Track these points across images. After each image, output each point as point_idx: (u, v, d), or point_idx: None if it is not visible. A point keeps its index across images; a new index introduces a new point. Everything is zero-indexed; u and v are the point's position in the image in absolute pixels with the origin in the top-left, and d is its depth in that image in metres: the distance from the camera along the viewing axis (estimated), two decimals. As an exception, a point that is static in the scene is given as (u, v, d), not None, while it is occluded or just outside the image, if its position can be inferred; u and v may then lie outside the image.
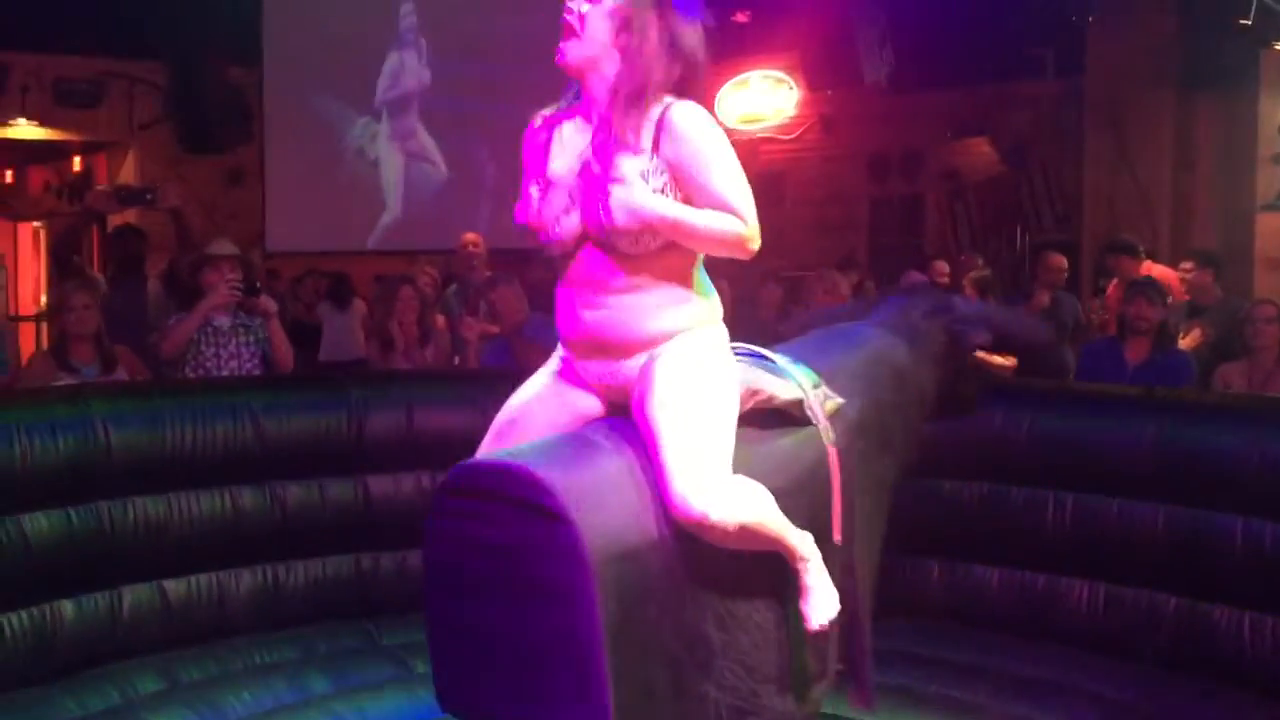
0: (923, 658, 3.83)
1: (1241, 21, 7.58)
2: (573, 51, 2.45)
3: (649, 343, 2.44)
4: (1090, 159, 9.46)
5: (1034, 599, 3.89)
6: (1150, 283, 5.56)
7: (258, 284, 4.93)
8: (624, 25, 2.42)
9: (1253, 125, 8.48)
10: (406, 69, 10.56)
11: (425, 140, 10.65)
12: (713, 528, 2.26)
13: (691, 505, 2.25)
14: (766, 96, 10.98)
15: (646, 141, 2.41)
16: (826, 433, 2.64)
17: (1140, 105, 8.96)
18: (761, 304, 6.65)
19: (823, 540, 2.55)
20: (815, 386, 2.68)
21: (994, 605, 3.96)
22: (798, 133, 11.31)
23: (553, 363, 2.60)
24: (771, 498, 2.39)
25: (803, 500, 2.53)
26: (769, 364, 2.65)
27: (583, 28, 2.43)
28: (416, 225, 10.54)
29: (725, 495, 2.28)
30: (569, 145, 2.50)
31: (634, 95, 2.41)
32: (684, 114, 2.42)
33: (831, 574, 2.52)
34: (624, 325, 2.44)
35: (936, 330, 3.29)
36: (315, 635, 4.01)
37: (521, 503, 2.17)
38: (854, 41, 10.23)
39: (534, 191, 2.51)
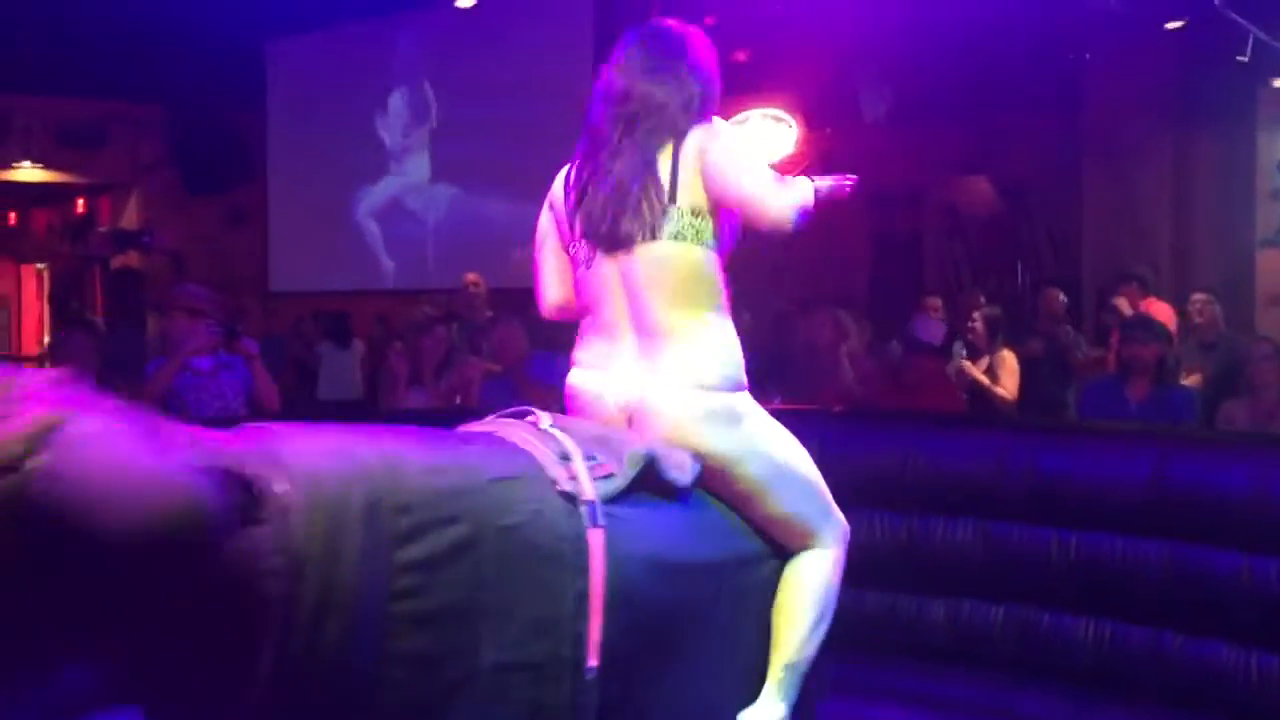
0: (924, 694, 3.80)
1: (1239, 58, 7.63)
2: None
3: None
4: (1089, 195, 9.50)
5: (1037, 637, 3.86)
6: (1143, 321, 5.58)
7: (236, 327, 4.97)
8: None
9: (1251, 161, 8.53)
10: (407, 110, 10.64)
11: (427, 179, 10.71)
12: None
13: None
14: (766, 134, 11.02)
15: None
16: (584, 509, 2.03)
17: (1139, 142, 9.01)
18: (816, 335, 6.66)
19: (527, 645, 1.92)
20: (588, 459, 2.14)
21: (996, 643, 3.94)
22: (798, 170, 11.35)
23: None
24: None
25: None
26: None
27: None
28: (418, 265, 10.58)
29: None
30: None
31: None
32: None
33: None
34: None
35: None
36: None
37: None
38: (853, 79, 10.29)
39: None
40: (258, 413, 4.75)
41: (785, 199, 2.39)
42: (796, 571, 2.48)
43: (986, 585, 3.96)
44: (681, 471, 2.29)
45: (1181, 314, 6.88)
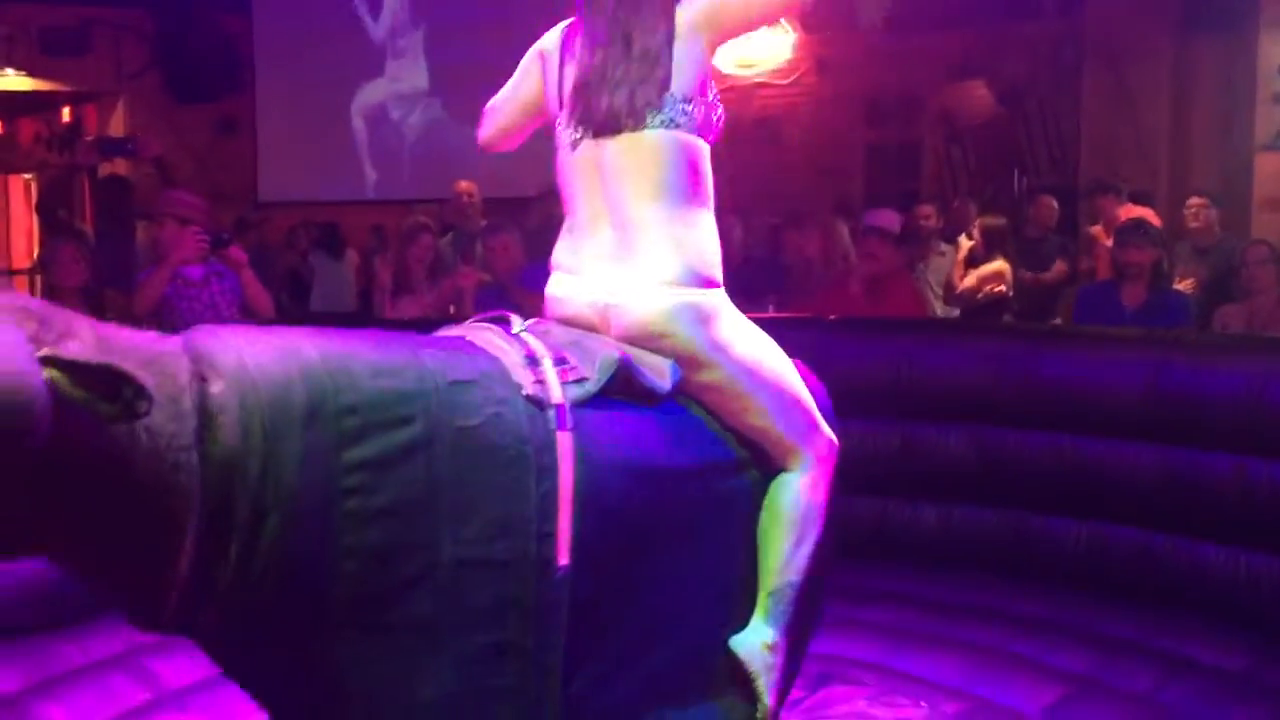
0: (917, 597, 3.86)
1: (1242, -41, 7.50)
2: None
3: None
4: (1088, 101, 9.39)
5: (1029, 539, 3.91)
6: (1138, 226, 5.52)
7: (225, 235, 4.90)
8: None
9: (1252, 65, 8.41)
10: (399, 13, 10.46)
11: (420, 86, 10.55)
12: None
13: None
14: (762, 40, 10.86)
15: None
16: (551, 412, 2.03)
17: (1139, 46, 8.88)
18: (783, 249, 6.72)
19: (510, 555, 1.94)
20: (559, 363, 2.15)
21: (989, 546, 3.98)
22: (793, 76, 11.20)
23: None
24: None
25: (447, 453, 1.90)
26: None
27: None
28: (409, 174, 10.49)
29: None
30: None
31: None
32: None
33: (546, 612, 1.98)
34: None
35: None
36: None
37: None
38: (850, -17, 10.11)
39: None
40: (251, 321, 4.73)
41: None
42: (774, 491, 2.41)
43: (979, 489, 4.00)
44: (660, 377, 2.26)
45: (1176, 219, 6.86)
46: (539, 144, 2.62)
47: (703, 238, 2.32)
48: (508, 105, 2.56)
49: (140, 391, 1.53)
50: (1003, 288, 6.47)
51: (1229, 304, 5.31)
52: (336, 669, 1.84)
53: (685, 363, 2.31)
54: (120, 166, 9.30)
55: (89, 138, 10.12)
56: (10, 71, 9.56)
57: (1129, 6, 8.83)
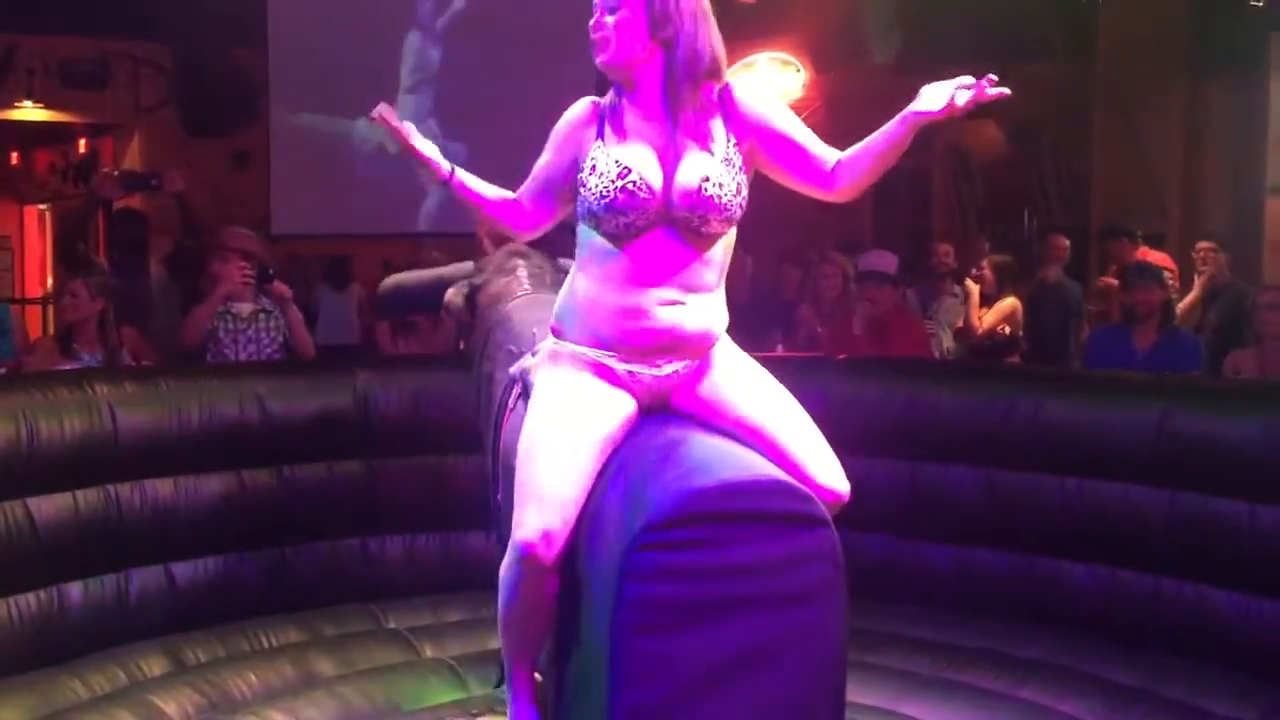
0: (926, 641, 3.84)
1: (1253, 3, 7.52)
2: (608, 58, 2.44)
3: (714, 341, 2.47)
4: (1099, 141, 9.41)
5: (1039, 583, 3.89)
6: (1145, 267, 5.53)
7: (271, 270, 4.88)
8: (661, 19, 2.40)
9: (1263, 107, 8.43)
10: (414, 52, 10.51)
11: (433, 123, 10.60)
12: (843, 504, 2.40)
13: (841, 486, 2.40)
14: (773, 78, 10.92)
15: (717, 128, 2.45)
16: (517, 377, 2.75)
17: (1150, 87, 8.90)
18: (783, 285, 6.72)
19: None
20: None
21: (999, 589, 3.96)
22: (804, 114, 11.22)
23: (580, 370, 2.42)
24: None
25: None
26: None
27: (616, 38, 2.41)
28: (422, 210, 10.51)
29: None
30: (637, 135, 2.42)
31: (694, 80, 2.42)
32: (746, 91, 2.54)
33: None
34: (704, 322, 2.42)
35: None
36: (321, 618, 4.02)
37: (786, 516, 2.13)
38: (861, 22, 10.17)
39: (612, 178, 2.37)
40: (293, 358, 4.73)
41: None
42: None
43: (990, 532, 3.99)
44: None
45: (1187, 261, 6.84)
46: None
47: (563, 290, 2.53)
48: None
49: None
50: (1010, 328, 6.48)
51: (1240, 348, 5.29)
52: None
53: None
54: (135, 200, 9.33)
55: (106, 169, 10.18)
56: (28, 103, 9.63)
57: (1140, 48, 8.85)
